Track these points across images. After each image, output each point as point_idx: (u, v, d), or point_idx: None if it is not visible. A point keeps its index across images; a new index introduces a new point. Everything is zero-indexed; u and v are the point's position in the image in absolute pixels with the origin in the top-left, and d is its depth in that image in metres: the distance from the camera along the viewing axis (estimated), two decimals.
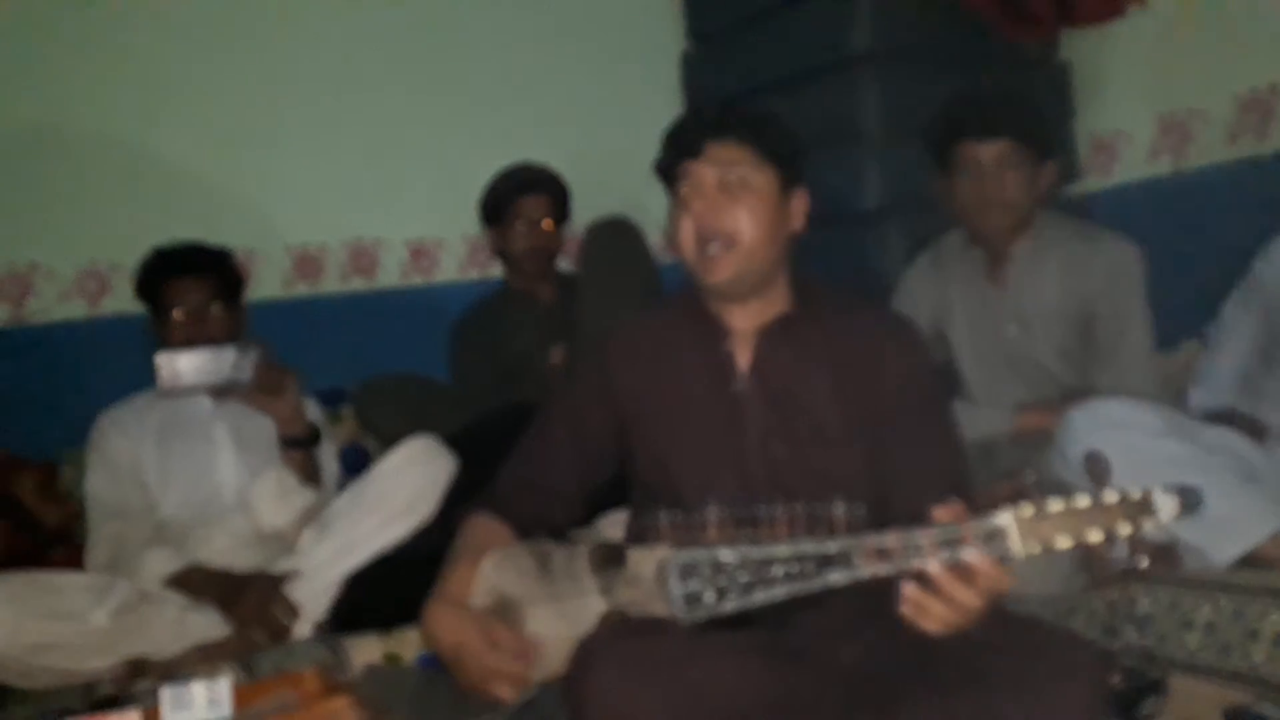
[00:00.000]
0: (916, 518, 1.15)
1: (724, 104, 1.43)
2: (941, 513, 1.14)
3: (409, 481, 2.00)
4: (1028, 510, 1.10)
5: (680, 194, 1.43)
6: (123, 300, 2.31)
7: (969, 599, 1.12)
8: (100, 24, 2.60)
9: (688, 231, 1.41)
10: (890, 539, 1.14)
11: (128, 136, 2.62)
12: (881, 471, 1.41)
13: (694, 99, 3.08)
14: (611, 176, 2.64)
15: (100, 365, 2.43)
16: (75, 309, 2.61)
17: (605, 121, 3.06)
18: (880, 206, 2.60)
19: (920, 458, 1.41)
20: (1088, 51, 2.82)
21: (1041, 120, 2.10)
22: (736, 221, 1.39)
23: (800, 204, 1.46)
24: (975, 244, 2.12)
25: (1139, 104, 2.76)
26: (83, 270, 2.61)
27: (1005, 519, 1.10)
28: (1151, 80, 2.73)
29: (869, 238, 2.57)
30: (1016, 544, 1.10)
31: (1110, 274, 2.02)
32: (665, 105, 3.03)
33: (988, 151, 1.99)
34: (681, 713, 1.18)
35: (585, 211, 2.62)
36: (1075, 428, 1.76)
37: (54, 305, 2.60)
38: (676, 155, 1.42)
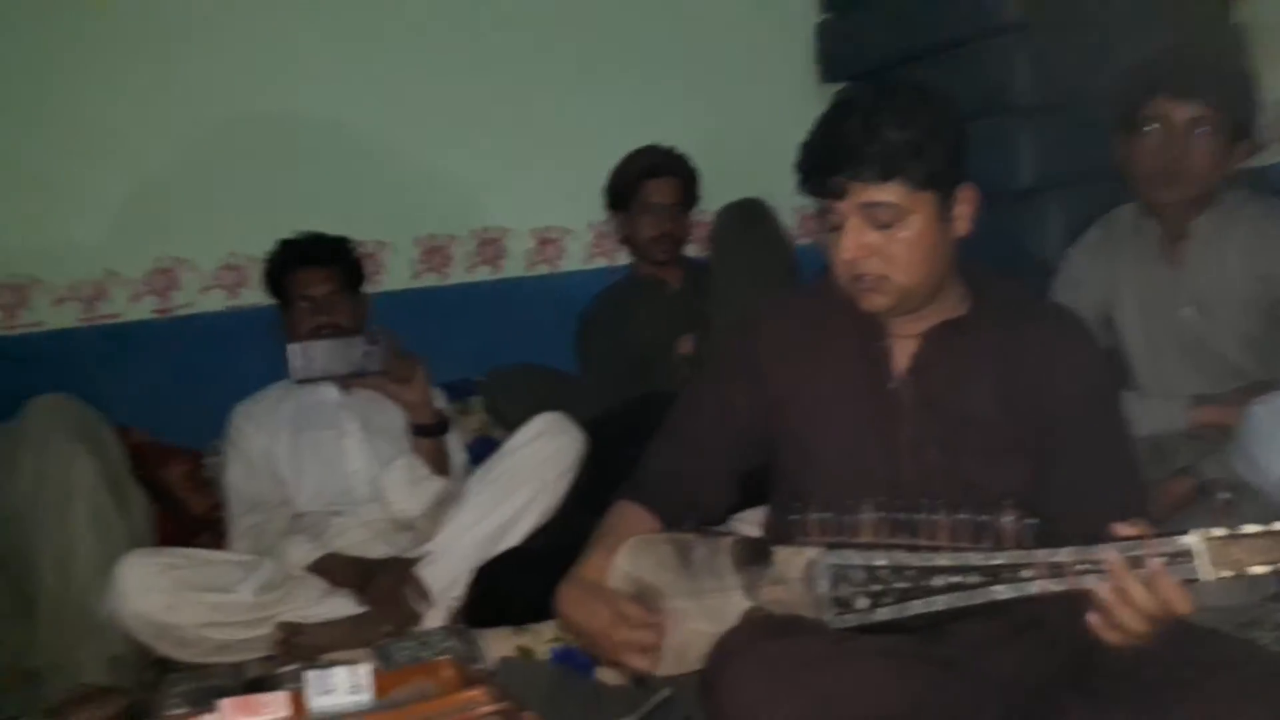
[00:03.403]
0: (1092, 535, 1.09)
1: (865, 127, 1.26)
2: (1124, 529, 1.07)
3: (536, 451, 2.01)
4: (1218, 531, 1.03)
5: (827, 220, 1.32)
6: (260, 292, 2.37)
7: (1151, 607, 1.06)
8: (223, 18, 2.65)
9: (838, 260, 1.32)
10: (1065, 554, 1.08)
11: (265, 134, 2.67)
12: (1050, 487, 1.31)
13: (831, 73, 2.96)
14: (743, 157, 2.56)
15: (240, 355, 2.47)
16: (215, 301, 2.69)
17: (736, 100, 2.96)
18: (1036, 183, 2.45)
19: (1094, 476, 1.31)
20: (1269, 11, 2.59)
21: (1249, 92, 1.92)
22: (888, 263, 1.28)
23: (966, 206, 1.32)
24: (1150, 218, 1.96)
25: None
26: (222, 263, 2.69)
27: (1193, 539, 1.03)
28: None
29: (1025, 217, 2.43)
30: (1205, 567, 1.03)
31: None
32: (800, 81, 2.94)
33: (1182, 111, 1.83)
34: (822, 717, 1.13)
35: (716, 194, 2.54)
36: (1259, 424, 1.61)
37: (196, 298, 2.68)
38: (818, 193, 1.31)
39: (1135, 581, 1.05)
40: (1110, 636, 1.08)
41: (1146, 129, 1.86)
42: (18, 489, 1.86)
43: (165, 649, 1.85)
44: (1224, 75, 1.90)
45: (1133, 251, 1.99)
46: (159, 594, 1.80)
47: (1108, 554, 1.06)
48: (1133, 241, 2.00)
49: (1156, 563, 1.04)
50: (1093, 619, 1.08)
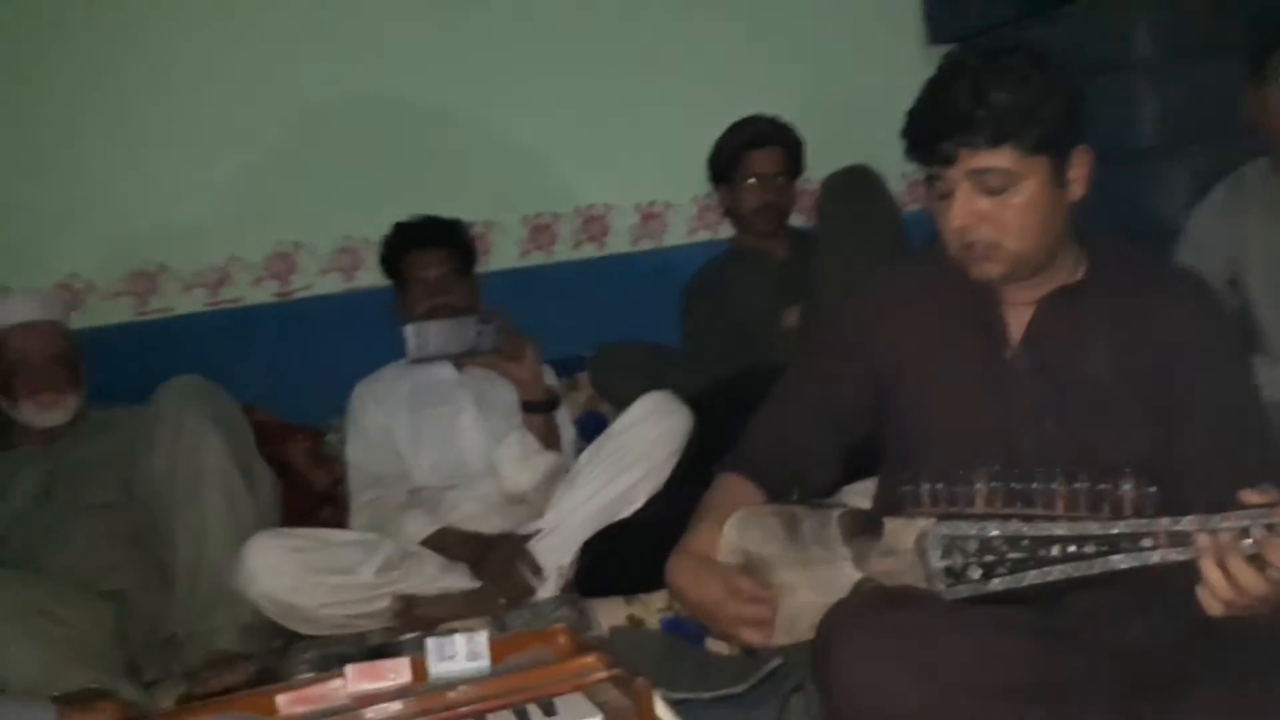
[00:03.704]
0: (1217, 504, 1.05)
1: (974, 91, 1.22)
2: (1251, 495, 1.03)
3: (645, 432, 2.03)
4: None
5: (936, 188, 1.29)
6: (375, 274, 2.44)
7: (1253, 583, 1.02)
8: (338, 5, 2.70)
9: (948, 228, 1.28)
10: (1187, 523, 1.05)
11: (376, 119, 2.73)
12: (1175, 454, 1.27)
13: (939, 34, 2.89)
14: (849, 123, 2.51)
15: (356, 336, 2.53)
16: (332, 284, 2.77)
17: (840, 66, 2.91)
18: (1159, 142, 2.35)
19: (1221, 443, 1.26)
20: None
21: None
22: (1000, 230, 1.25)
23: (1080, 169, 1.27)
24: None
25: None
26: (338, 247, 2.77)
27: None
28: None
29: (1147, 177, 2.33)
30: None
31: None
32: (907, 43, 2.88)
33: None
34: (936, 688, 1.13)
35: (821, 162, 2.49)
36: None
37: (314, 281, 2.77)
38: (926, 160, 1.28)
39: (1239, 559, 1.02)
40: (1210, 605, 1.06)
41: (1276, 79, 1.77)
42: (154, 467, 1.95)
43: (290, 624, 1.93)
44: None
45: (1262, 210, 1.90)
46: (285, 576, 1.87)
47: (1226, 525, 1.03)
48: (1262, 199, 1.90)
49: (1261, 533, 1.00)
50: (1202, 594, 1.06)
